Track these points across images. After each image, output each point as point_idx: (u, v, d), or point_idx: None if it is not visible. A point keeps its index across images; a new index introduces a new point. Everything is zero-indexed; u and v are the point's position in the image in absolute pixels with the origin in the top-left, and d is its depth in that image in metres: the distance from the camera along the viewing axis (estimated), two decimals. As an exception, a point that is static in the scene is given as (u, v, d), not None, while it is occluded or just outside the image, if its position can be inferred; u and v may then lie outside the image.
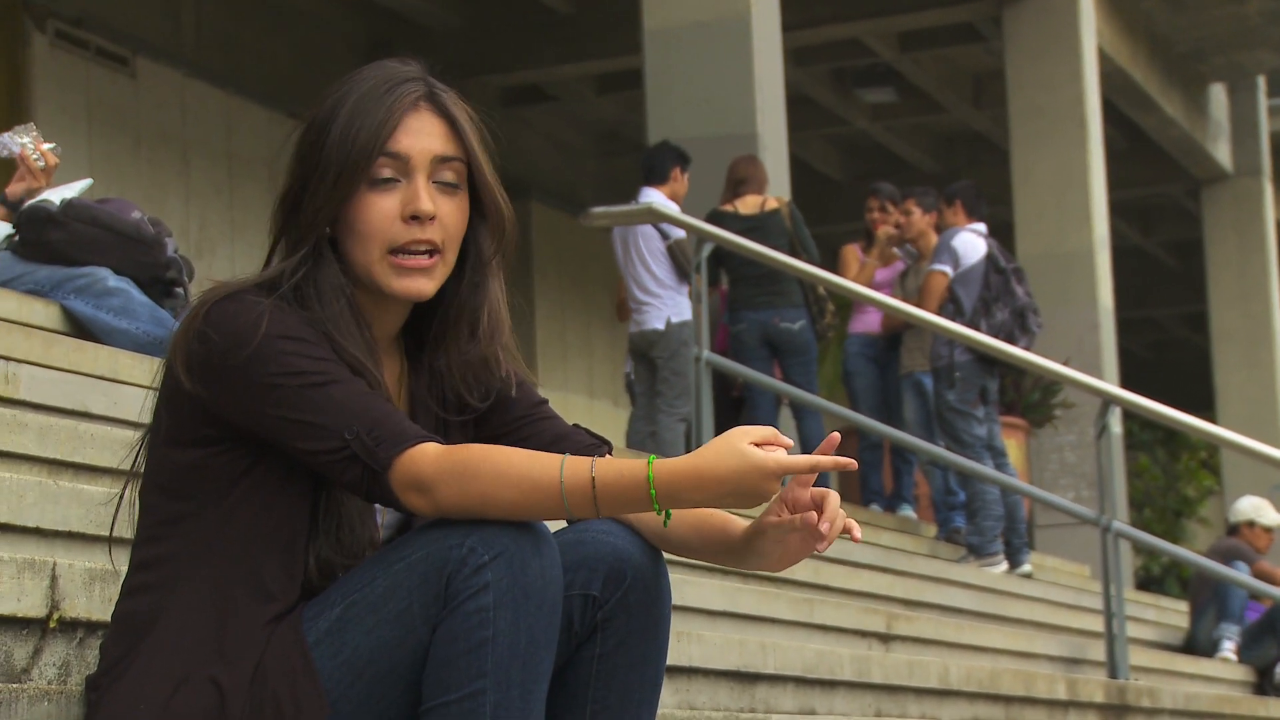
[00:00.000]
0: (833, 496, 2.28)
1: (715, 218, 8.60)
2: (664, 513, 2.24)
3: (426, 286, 2.36)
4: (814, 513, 2.28)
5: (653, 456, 2.25)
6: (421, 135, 2.34)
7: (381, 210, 2.33)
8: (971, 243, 8.86)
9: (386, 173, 2.33)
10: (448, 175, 2.36)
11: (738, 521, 2.42)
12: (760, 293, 8.94)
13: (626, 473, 2.20)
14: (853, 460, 2.29)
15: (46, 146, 5.51)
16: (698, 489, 2.19)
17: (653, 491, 2.19)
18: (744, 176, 8.96)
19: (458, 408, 2.44)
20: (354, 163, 2.31)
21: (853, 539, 2.29)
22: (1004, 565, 8.77)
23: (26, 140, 5.51)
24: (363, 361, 2.30)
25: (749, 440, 2.19)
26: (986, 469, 8.25)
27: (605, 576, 2.31)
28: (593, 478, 2.20)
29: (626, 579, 2.32)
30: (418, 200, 2.33)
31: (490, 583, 2.16)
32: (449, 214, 2.36)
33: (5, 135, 5.54)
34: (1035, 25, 13.63)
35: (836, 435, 2.31)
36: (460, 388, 2.42)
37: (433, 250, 2.34)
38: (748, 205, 8.86)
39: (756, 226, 8.61)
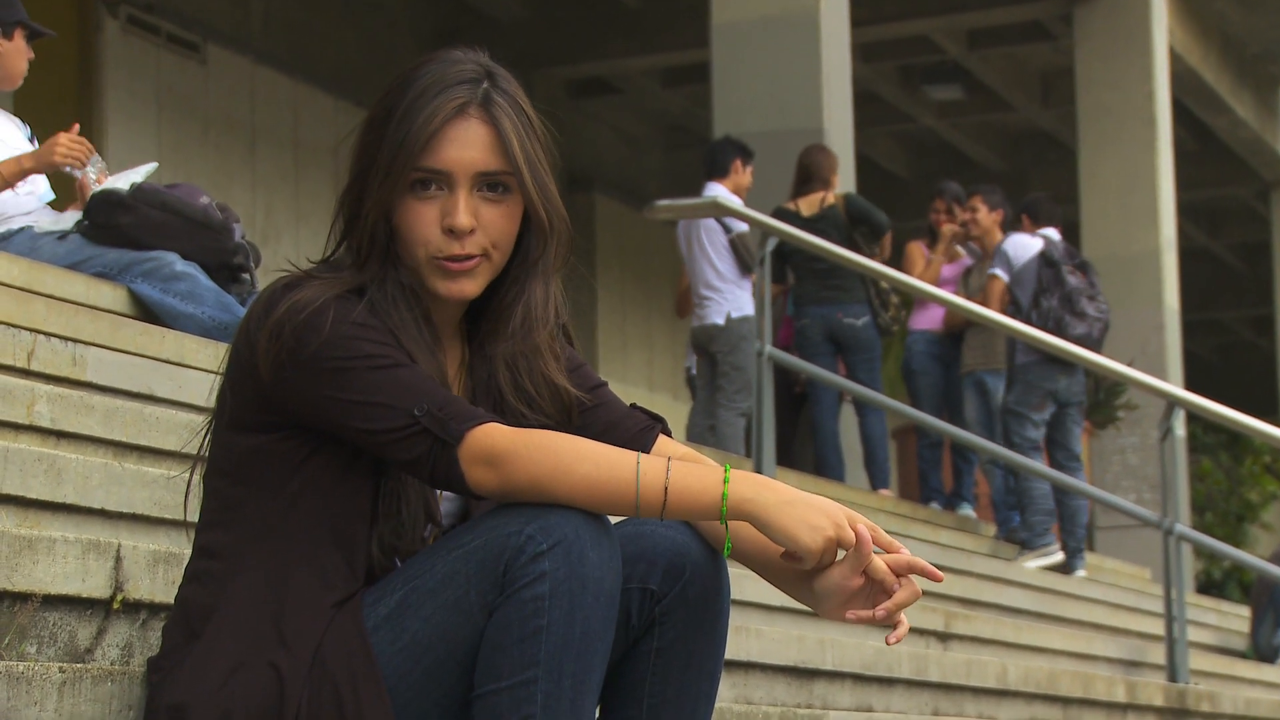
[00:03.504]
0: (910, 589, 2.27)
1: (779, 215, 8.59)
2: (726, 537, 2.28)
3: (469, 287, 2.35)
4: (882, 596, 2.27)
5: (729, 465, 2.26)
6: (465, 147, 2.32)
7: (423, 218, 2.32)
8: (1023, 244, 8.93)
9: (429, 181, 2.32)
10: (495, 184, 2.34)
11: None
12: (823, 288, 8.93)
13: (702, 465, 2.23)
14: (915, 589, 2.29)
15: (109, 179, 5.47)
16: (770, 489, 2.20)
17: (726, 476, 2.21)
18: (811, 170, 8.94)
19: (510, 410, 2.43)
20: (398, 166, 2.30)
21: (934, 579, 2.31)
22: (1059, 555, 8.74)
23: (90, 169, 5.51)
24: (423, 359, 2.31)
25: None
26: (1039, 465, 8.21)
27: (664, 570, 2.31)
28: (668, 468, 2.22)
29: (686, 573, 2.31)
30: (455, 215, 2.31)
31: (547, 571, 2.16)
32: (493, 222, 2.34)
33: None
34: (1106, 24, 13.54)
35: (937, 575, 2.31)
36: (506, 387, 2.41)
37: (475, 255, 2.34)
38: (809, 204, 8.86)
39: (816, 225, 8.60)
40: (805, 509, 2.21)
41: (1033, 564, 8.62)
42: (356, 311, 2.28)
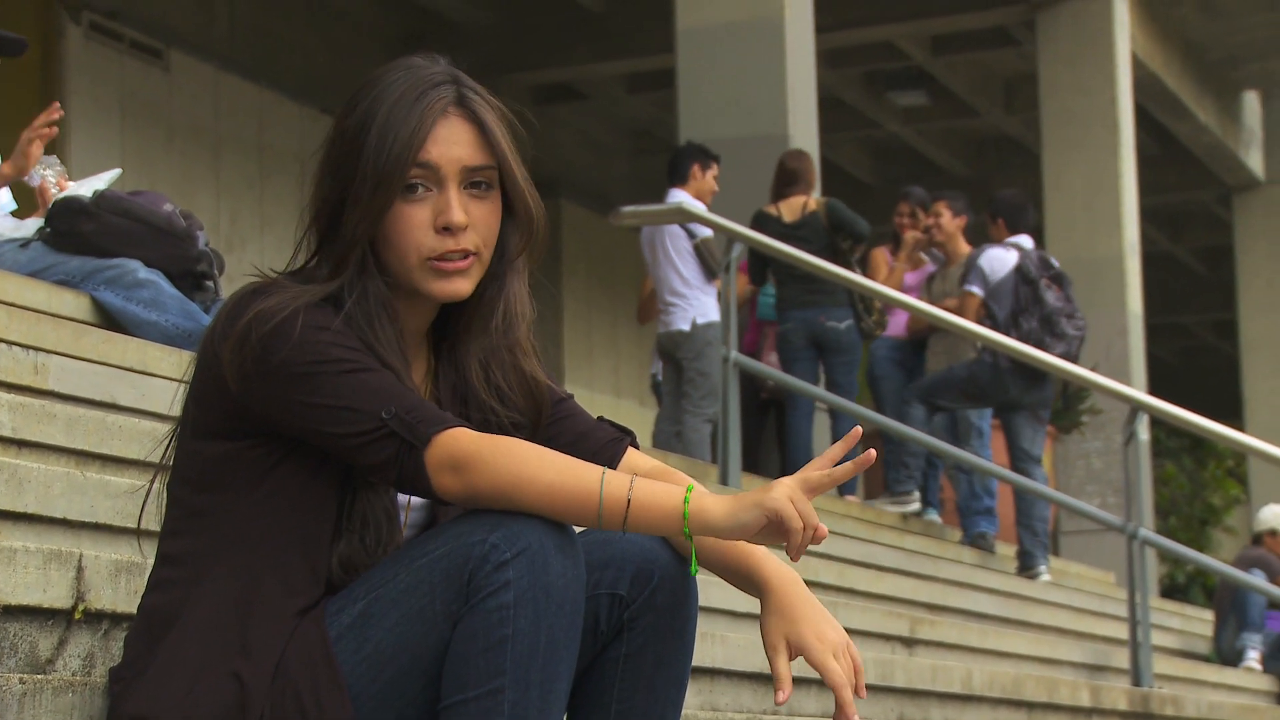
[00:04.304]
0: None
1: (759, 219, 8.61)
2: (691, 551, 2.29)
3: (464, 287, 2.36)
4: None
5: (691, 484, 2.26)
6: (452, 144, 2.33)
7: (414, 221, 2.33)
8: (999, 258, 8.87)
9: (417, 183, 2.32)
10: (479, 180, 2.35)
11: (762, 563, 2.40)
12: (805, 292, 8.93)
13: (661, 486, 2.23)
14: (872, 453, 2.28)
15: (71, 186, 5.44)
16: (728, 504, 2.20)
17: (687, 496, 2.21)
18: (796, 175, 8.95)
19: (478, 405, 2.43)
20: (390, 175, 2.30)
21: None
22: (916, 506, 9.09)
23: (49, 174, 5.47)
24: (397, 369, 2.31)
25: None
26: (1003, 470, 8.22)
27: (633, 576, 2.31)
28: (631, 485, 2.21)
29: (654, 579, 2.32)
30: (449, 212, 2.32)
31: (511, 580, 2.16)
32: (482, 218, 2.35)
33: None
34: (1069, 30, 13.60)
35: (858, 430, 2.29)
36: (477, 383, 2.42)
37: (468, 253, 2.35)
38: (792, 209, 8.86)
39: (798, 230, 8.61)
40: (761, 506, 2.19)
41: (891, 507, 8.99)
42: (324, 318, 2.27)
